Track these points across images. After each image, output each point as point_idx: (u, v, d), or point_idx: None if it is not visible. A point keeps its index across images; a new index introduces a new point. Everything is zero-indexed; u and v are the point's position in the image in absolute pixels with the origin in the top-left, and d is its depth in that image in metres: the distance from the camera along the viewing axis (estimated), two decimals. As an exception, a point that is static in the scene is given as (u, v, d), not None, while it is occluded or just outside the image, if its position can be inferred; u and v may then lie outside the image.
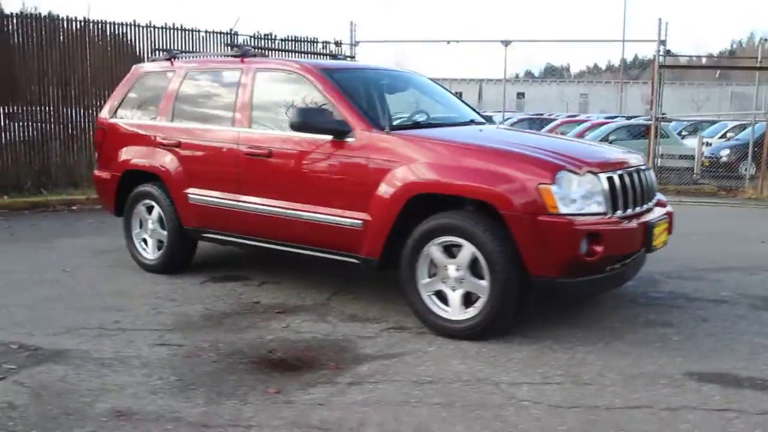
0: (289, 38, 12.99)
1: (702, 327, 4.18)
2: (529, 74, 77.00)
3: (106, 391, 3.20)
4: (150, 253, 5.56)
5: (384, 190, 4.09)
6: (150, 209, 5.50)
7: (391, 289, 5.00)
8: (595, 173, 3.79)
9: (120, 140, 5.70)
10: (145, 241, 5.61)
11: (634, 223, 3.88)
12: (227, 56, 5.44)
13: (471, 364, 3.55)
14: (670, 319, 4.33)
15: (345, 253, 4.38)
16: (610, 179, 3.84)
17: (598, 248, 3.64)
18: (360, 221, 4.22)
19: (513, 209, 3.65)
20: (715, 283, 5.22)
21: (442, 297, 4.02)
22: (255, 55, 5.17)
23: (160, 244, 5.50)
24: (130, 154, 5.57)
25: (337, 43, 13.88)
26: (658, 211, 4.27)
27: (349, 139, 4.28)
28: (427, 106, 5.10)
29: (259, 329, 4.17)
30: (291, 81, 4.77)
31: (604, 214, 3.75)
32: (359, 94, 4.66)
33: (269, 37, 12.73)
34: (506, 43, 15.49)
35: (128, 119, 5.71)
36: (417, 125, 4.55)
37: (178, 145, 5.20)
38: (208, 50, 11.92)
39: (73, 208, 9.27)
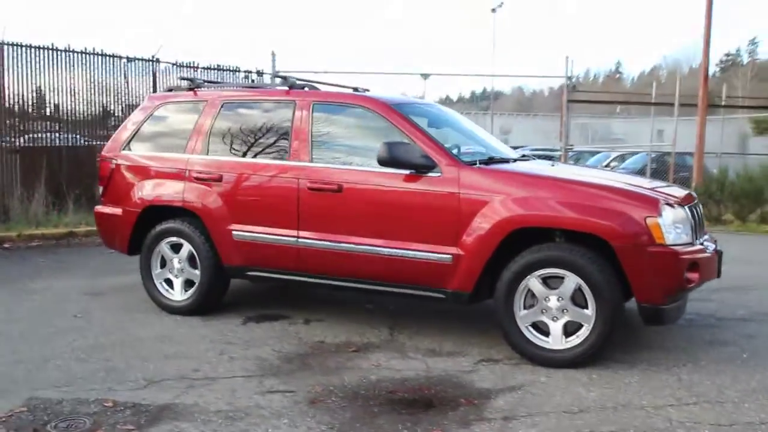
0: (212, 67, 12.66)
1: (756, 342, 4.57)
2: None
3: (270, 446, 3.00)
4: (177, 294, 5.19)
5: (480, 224, 4.14)
6: (176, 247, 5.16)
7: (443, 320, 5.08)
8: (682, 206, 4.09)
9: (137, 174, 5.32)
10: (168, 281, 5.25)
11: (712, 252, 4.21)
12: (268, 88, 5.25)
13: (599, 392, 3.67)
14: (722, 337, 4.69)
15: (429, 287, 4.37)
16: (691, 211, 4.16)
17: (694, 276, 3.93)
18: (449, 255, 4.23)
19: (625, 241, 3.84)
20: (722, 303, 5.70)
21: (537, 327, 4.12)
22: (303, 87, 5.06)
23: (188, 284, 5.17)
24: (152, 190, 5.21)
25: (259, 73, 13.70)
26: (709, 241, 4.66)
27: (434, 174, 4.30)
28: (473, 141, 5.22)
29: (353, 369, 4.04)
30: (356, 115, 4.72)
31: (691, 244, 4.05)
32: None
33: (192, 65, 12.33)
34: (425, 76, 16.03)
35: (146, 152, 5.35)
36: (492, 161, 4.65)
37: (219, 179, 4.94)
38: (130, 77, 11.49)
39: (5, 246, 8.41)
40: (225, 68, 12.85)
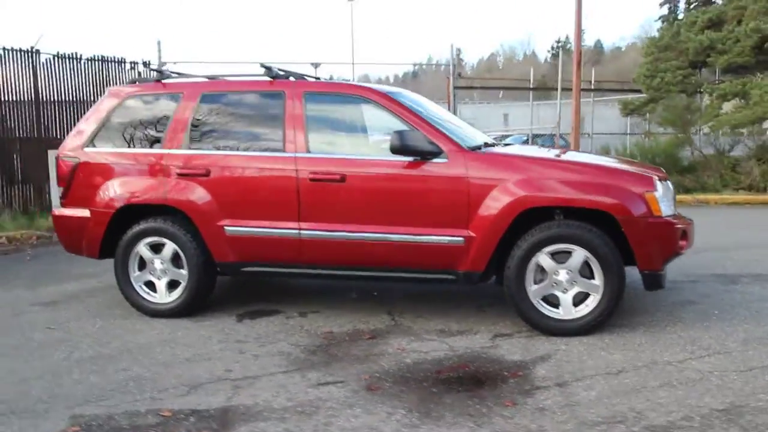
0: (96, 58, 11.88)
1: (724, 301, 5.11)
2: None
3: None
4: (161, 296, 4.95)
5: (491, 206, 4.34)
6: (157, 248, 4.91)
7: (432, 302, 5.28)
8: (664, 181, 4.54)
9: (106, 172, 4.99)
10: (149, 284, 4.99)
11: (690, 221, 4.71)
12: (250, 78, 5.08)
13: (621, 354, 4.00)
14: (685, 298, 5.24)
15: (440, 270, 4.52)
16: (667, 185, 4.62)
17: (684, 243, 4.39)
18: (461, 238, 4.41)
19: (629, 215, 4.21)
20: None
21: (546, 300, 4.41)
22: (287, 77, 4.98)
23: (171, 285, 4.95)
24: (127, 188, 4.92)
25: (146, 64, 13.06)
26: None
27: (440, 160, 4.44)
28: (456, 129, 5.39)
29: (383, 355, 4.11)
30: (352, 104, 4.74)
31: (674, 215, 4.50)
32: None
33: (74, 56, 11.52)
34: (316, 65, 15.98)
35: (116, 149, 5.03)
36: (487, 145, 4.86)
37: (206, 174, 4.77)
38: (4, 69, 10.51)
39: None
40: (110, 59, 12.09)
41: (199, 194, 4.77)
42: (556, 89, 14.78)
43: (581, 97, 14.59)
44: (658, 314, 4.82)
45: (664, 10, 63.23)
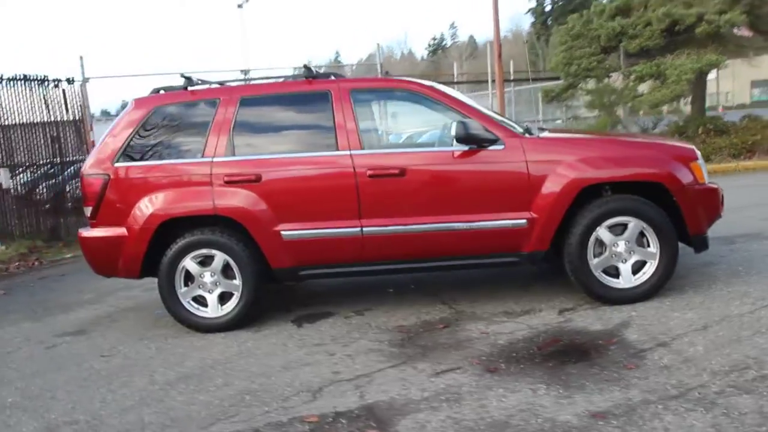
0: (17, 77, 11.14)
1: (739, 258, 5.52)
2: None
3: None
4: (213, 310, 4.79)
5: (551, 187, 4.52)
6: (205, 260, 4.75)
7: (477, 285, 5.41)
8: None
9: (141, 187, 4.76)
10: (198, 299, 4.81)
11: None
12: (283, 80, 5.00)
13: (692, 313, 4.28)
14: (705, 259, 5.56)
15: (504, 253, 4.66)
16: (697, 155, 4.99)
17: (722, 207, 4.77)
18: (524, 220, 4.56)
19: (681, 185, 4.52)
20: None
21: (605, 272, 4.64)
22: (328, 76, 4.95)
23: (223, 297, 4.80)
24: (169, 201, 4.71)
25: (69, 81, 12.39)
26: None
27: (497, 147, 4.58)
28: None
29: (472, 341, 4.18)
30: (400, 98, 4.79)
31: (711, 182, 4.86)
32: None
33: (-5, 77, 10.75)
34: (246, 72, 15.65)
35: (149, 161, 4.80)
36: (529, 131, 5.03)
37: (257, 179, 4.65)
38: None
39: None
40: (32, 78, 11.35)
41: (251, 201, 4.65)
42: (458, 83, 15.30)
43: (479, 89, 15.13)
44: (691, 277, 5.15)
45: (533, 3, 66.35)
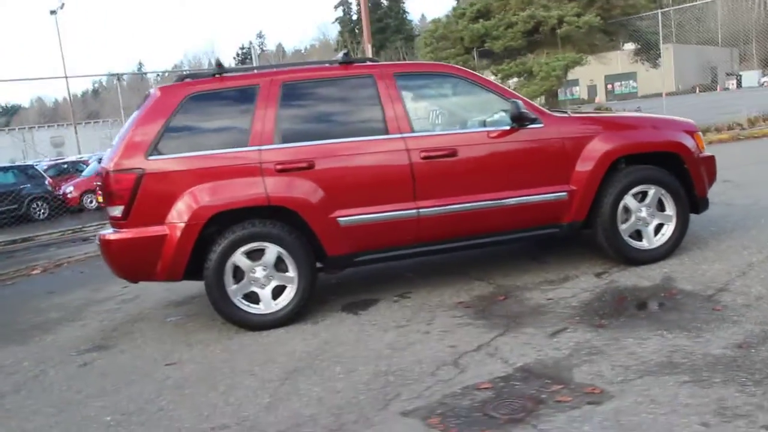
0: None
1: (751, 213, 6.12)
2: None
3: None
4: (267, 305, 4.56)
5: (586, 161, 4.90)
6: (255, 254, 4.52)
7: (502, 259, 5.66)
8: (687, 122, 5.55)
9: (182, 181, 4.41)
10: (249, 296, 4.56)
11: None
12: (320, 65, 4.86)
13: (721, 264, 4.83)
14: (715, 220, 6.09)
15: (547, 225, 4.95)
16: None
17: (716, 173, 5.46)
18: (565, 192, 4.90)
19: (690, 154, 5.10)
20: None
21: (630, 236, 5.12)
22: (364, 61, 4.91)
23: (277, 290, 4.59)
24: (217, 193, 4.42)
25: None
26: None
27: (536, 125, 4.86)
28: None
29: (547, 305, 4.42)
30: (443, 82, 4.89)
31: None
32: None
33: None
34: (119, 77, 14.51)
35: (188, 153, 4.46)
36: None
37: (311, 166, 4.52)
38: None
39: None
40: None
41: (306, 188, 4.51)
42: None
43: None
44: (714, 241, 5.55)
45: (339, 12, 68.65)
